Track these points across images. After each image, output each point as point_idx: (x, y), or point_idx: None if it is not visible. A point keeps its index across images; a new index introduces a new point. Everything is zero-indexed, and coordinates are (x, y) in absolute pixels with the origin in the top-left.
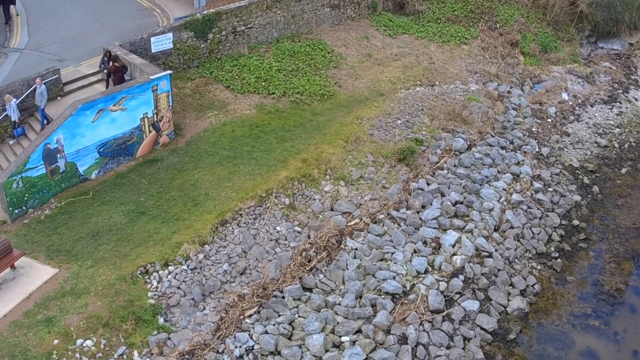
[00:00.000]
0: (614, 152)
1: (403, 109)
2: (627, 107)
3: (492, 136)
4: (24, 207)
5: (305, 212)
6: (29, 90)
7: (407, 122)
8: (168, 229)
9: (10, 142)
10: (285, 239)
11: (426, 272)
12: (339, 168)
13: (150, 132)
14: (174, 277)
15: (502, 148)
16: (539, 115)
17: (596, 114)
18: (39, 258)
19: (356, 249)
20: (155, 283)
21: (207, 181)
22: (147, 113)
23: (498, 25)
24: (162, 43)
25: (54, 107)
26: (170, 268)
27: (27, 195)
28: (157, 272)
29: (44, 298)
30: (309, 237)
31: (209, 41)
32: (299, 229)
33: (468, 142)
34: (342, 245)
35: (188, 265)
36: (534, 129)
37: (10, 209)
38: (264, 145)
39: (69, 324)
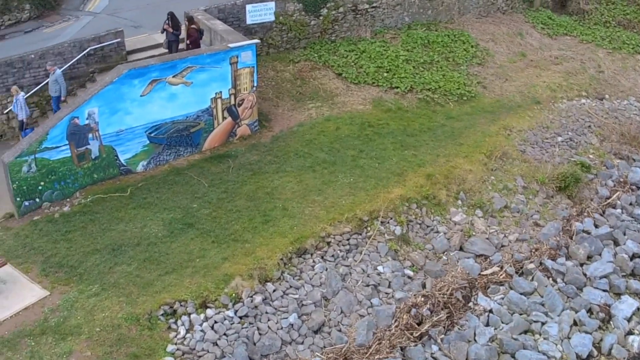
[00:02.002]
0: None
1: (565, 124)
2: None
3: None
4: (37, 199)
5: (423, 249)
6: (69, 64)
7: (570, 141)
8: (218, 252)
9: None
10: (389, 286)
11: (589, 357)
12: (476, 191)
13: (224, 118)
14: (212, 327)
15: None
16: None
17: None
18: (30, 271)
19: (491, 311)
20: (182, 331)
21: (289, 191)
22: (221, 93)
23: None
24: (260, 13)
25: None
26: (209, 312)
27: (42, 183)
28: (189, 315)
29: (15, 332)
30: (423, 286)
31: (321, 18)
32: (411, 273)
33: None
34: (470, 304)
35: (236, 311)
36: None
37: (18, 199)
38: (376, 151)
39: None
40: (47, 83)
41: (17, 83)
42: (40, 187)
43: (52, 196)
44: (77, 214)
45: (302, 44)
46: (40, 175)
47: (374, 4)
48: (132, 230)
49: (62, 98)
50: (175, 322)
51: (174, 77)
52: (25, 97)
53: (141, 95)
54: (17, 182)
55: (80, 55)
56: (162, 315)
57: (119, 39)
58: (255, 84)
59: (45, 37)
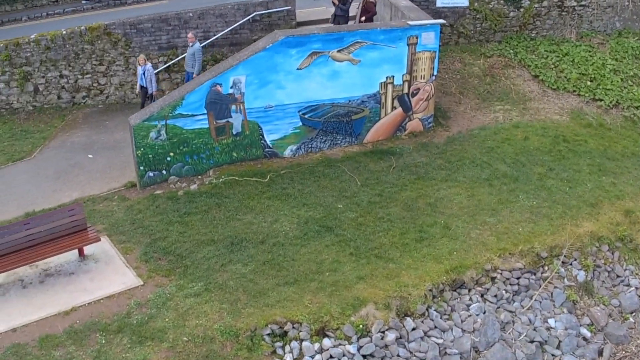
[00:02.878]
0: None
1: None
2: None
3: None
4: (163, 171)
5: (607, 304)
6: (230, 28)
7: None
8: (355, 268)
9: None
10: (558, 346)
11: None
12: None
13: (393, 108)
14: None
15: None
16: None
17: None
18: (130, 253)
19: None
20: (288, 359)
21: (457, 205)
22: (392, 77)
23: None
24: None
25: None
26: (326, 342)
27: (172, 154)
28: (300, 341)
29: (87, 323)
30: (600, 353)
31: (522, 10)
32: (588, 334)
33: None
34: None
35: (360, 347)
36: None
37: (141, 168)
38: (569, 172)
39: None
40: (203, 46)
41: (171, 42)
42: (169, 158)
43: (181, 170)
44: (203, 194)
45: (497, 37)
46: (170, 145)
47: (583, 2)
48: (260, 224)
49: (196, 73)
50: (283, 347)
51: (338, 51)
52: (155, 71)
53: (298, 68)
54: (142, 149)
55: (244, 20)
56: (267, 335)
57: (289, 7)
58: (435, 73)
59: (216, 0)
